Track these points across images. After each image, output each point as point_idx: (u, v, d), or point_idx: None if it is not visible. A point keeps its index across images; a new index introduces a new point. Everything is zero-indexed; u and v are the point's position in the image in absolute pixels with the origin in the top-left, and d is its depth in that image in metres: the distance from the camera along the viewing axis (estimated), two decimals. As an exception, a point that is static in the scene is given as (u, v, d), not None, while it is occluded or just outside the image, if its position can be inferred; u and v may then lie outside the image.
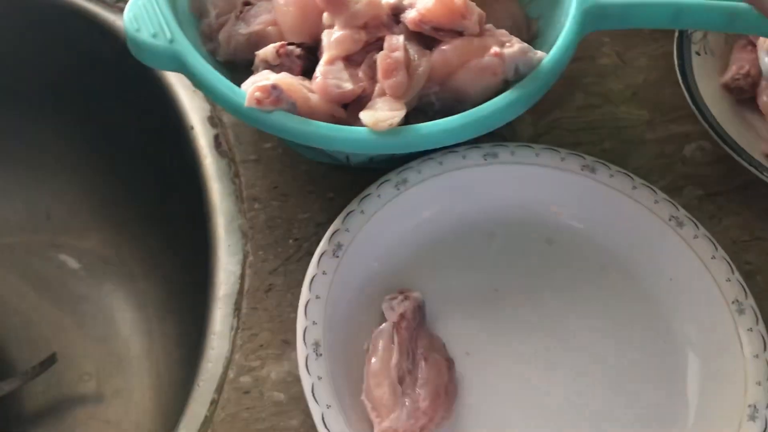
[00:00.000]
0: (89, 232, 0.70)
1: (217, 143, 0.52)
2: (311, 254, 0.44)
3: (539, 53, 0.43)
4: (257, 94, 0.40)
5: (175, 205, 0.57)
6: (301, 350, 0.40)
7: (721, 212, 0.51)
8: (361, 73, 0.43)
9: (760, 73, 0.52)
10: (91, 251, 0.70)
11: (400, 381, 0.40)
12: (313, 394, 0.38)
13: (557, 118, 0.54)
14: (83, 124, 0.66)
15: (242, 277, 0.47)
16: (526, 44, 0.44)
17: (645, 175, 0.51)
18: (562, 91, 0.55)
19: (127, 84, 0.58)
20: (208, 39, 0.48)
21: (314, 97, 0.41)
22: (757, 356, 0.41)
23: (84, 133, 0.67)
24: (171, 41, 0.42)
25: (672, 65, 0.53)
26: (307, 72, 0.44)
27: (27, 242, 0.71)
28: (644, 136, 0.54)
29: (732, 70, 0.53)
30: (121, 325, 0.69)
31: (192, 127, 0.54)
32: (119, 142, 0.65)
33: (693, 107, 0.51)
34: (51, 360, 0.64)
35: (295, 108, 0.41)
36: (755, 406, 0.39)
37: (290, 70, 0.44)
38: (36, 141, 0.69)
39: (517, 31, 0.47)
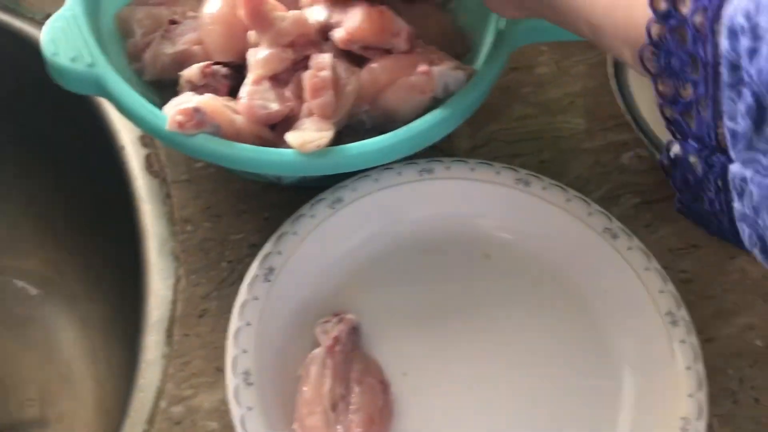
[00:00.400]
0: (30, 252, 0.69)
1: (149, 163, 0.51)
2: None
3: (468, 69, 0.43)
4: (178, 117, 0.39)
5: (110, 225, 0.55)
6: (231, 380, 0.39)
7: (658, 220, 0.51)
8: (288, 93, 0.42)
9: (693, 80, 0.52)
10: (33, 271, 0.69)
11: (333, 408, 0.39)
12: (243, 426, 0.38)
13: (495, 130, 0.54)
14: (18, 143, 0.64)
15: (174, 302, 0.46)
16: (455, 61, 0.43)
17: (583, 185, 0.52)
18: (499, 102, 0.55)
19: (61, 102, 0.57)
20: (134, 59, 0.47)
21: (239, 119, 0.41)
22: (689, 368, 0.41)
23: (19, 152, 0.65)
24: (91, 65, 0.41)
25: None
26: (234, 91, 0.43)
27: (-37, 264, 0.69)
28: (582, 145, 0.54)
29: (666, 78, 0.53)
30: (65, 347, 0.68)
31: (123, 147, 0.53)
32: (54, 161, 0.63)
33: (628, 116, 0.52)
34: (-12, 389, 0.62)
35: (219, 130, 0.40)
36: (687, 419, 0.40)
37: (216, 91, 0.43)
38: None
39: (449, 46, 0.46)
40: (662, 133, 0.51)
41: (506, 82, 0.56)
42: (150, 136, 0.51)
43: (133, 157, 0.52)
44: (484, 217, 0.48)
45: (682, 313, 0.43)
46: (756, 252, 0.29)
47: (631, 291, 0.44)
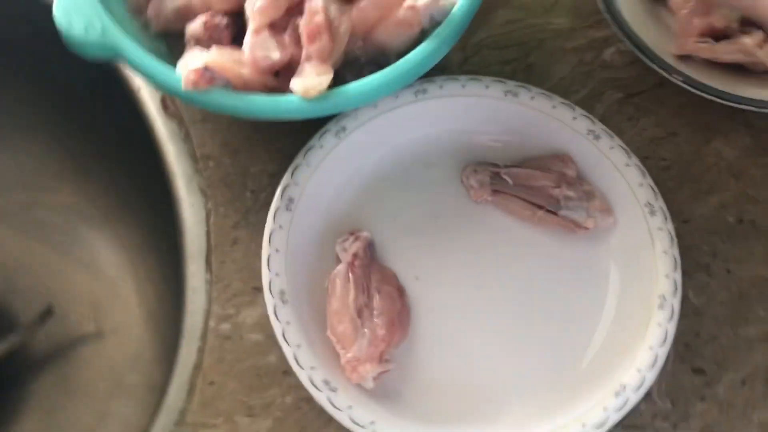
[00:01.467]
0: (61, 188, 0.73)
1: (165, 106, 0.55)
2: (268, 204, 0.48)
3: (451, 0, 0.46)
4: (191, 77, 0.43)
5: (134, 164, 0.60)
6: (269, 300, 0.45)
7: (639, 112, 0.55)
8: (287, 39, 0.45)
9: (669, -27, 0.54)
10: (66, 205, 0.74)
11: (359, 314, 0.46)
12: (284, 338, 0.44)
13: (483, 38, 0.57)
14: (38, 89, 0.67)
15: (208, 233, 0.51)
16: None
17: (568, 85, 0.55)
18: (485, 9, 0.57)
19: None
20: (138, 12, 0.49)
21: (246, 71, 0.44)
22: (665, 252, 0.46)
23: (39, 97, 0.69)
24: (103, 34, 0.44)
25: (589, -29, 0.55)
26: (236, 39, 0.47)
27: (4, 202, 0.74)
28: (566, 45, 0.57)
29: (643, -28, 0.56)
30: (107, 267, 0.74)
31: (139, 89, 0.56)
32: (71, 102, 0.67)
33: (605, 13, 0.54)
34: (48, 311, 0.69)
35: (229, 83, 0.44)
36: (664, 296, 0.45)
37: (219, 42, 0.46)
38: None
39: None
40: (639, 28, 0.54)
41: (490, -13, 0.58)
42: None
43: (149, 99, 0.56)
44: (477, 129, 0.52)
45: (660, 203, 0.48)
46: None
47: (614, 187, 0.49)
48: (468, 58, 0.56)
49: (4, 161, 0.74)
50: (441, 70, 0.52)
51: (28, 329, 0.67)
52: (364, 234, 0.48)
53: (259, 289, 0.49)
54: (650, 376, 0.43)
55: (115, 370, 0.71)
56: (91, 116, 0.65)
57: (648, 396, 0.47)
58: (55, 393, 0.70)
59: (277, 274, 0.46)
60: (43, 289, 0.73)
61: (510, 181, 0.50)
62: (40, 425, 0.67)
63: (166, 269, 0.68)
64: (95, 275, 0.74)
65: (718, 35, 0.53)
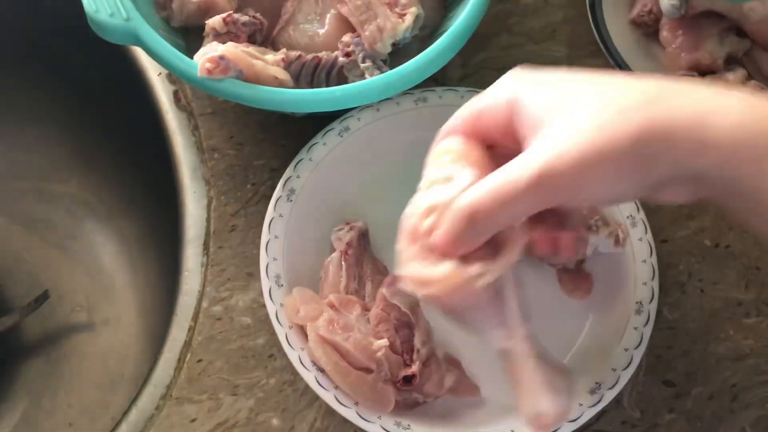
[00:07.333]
0: (67, 177, 0.76)
1: (177, 98, 0.58)
2: (267, 197, 0.50)
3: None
4: (207, 65, 0.45)
5: (142, 153, 0.62)
6: (265, 283, 0.47)
7: (627, 138, 0.57)
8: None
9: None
10: (71, 195, 0.76)
11: (349, 301, 0.48)
12: (277, 319, 0.46)
13: (484, 59, 0.60)
14: (56, 80, 0.70)
15: (208, 219, 0.53)
16: None
17: (561, 108, 0.58)
18: (488, 31, 0.61)
19: (94, 42, 0.63)
20: (161, 8, 0.53)
21: (258, 64, 0.47)
22: (644, 261, 0.49)
23: (52, 86, 0.71)
24: (127, 19, 0.47)
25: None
26: (252, 38, 0.50)
27: (11, 189, 0.77)
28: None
29: (637, 8, 0.59)
30: (105, 260, 0.76)
31: (152, 84, 0.59)
32: (85, 95, 0.70)
33: (600, 43, 0.57)
34: (44, 296, 0.71)
35: (241, 75, 0.47)
36: (641, 303, 0.48)
37: (237, 38, 0.49)
38: (7, 94, 0.74)
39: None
40: (631, 59, 0.57)
41: (494, 13, 0.62)
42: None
43: (162, 92, 0.59)
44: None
45: (641, 216, 0.50)
46: None
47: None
48: (467, 75, 0.59)
49: (14, 149, 0.76)
50: (441, 84, 0.55)
51: (22, 311, 0.69)
52: (359, 224, 0.50)
53: (252, 275, 0.52)
54: (624, 376, 0.45)
55: (105, 360, 0.72)
56: (104, 108, 0.68)
57: (618, 403, 0.49)
58: (44, 378, 0.71)
59: (274, 259, 0.48)
60: (41, 277, 0.75)
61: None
62: (29, 407, 0.68)
63: (163, 261, 0.70)
64: (93, 267, 0.76)
65: (704, 70, 0.57)
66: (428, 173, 0.37)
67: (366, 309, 0.47)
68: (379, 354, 0.43)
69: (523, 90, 0.36)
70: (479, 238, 0.35)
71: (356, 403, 0.44)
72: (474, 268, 0.34)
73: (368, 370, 0.44)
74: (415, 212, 0.36)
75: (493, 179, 0.34)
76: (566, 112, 0.34)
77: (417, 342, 0.45)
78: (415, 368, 0.44)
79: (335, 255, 0.49)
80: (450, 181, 0.35)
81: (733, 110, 0.32)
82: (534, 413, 0.35)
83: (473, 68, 0.60)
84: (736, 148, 0.32)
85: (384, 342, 0.44)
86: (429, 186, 0.36)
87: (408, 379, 0.44)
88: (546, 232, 0.41)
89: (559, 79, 0.36)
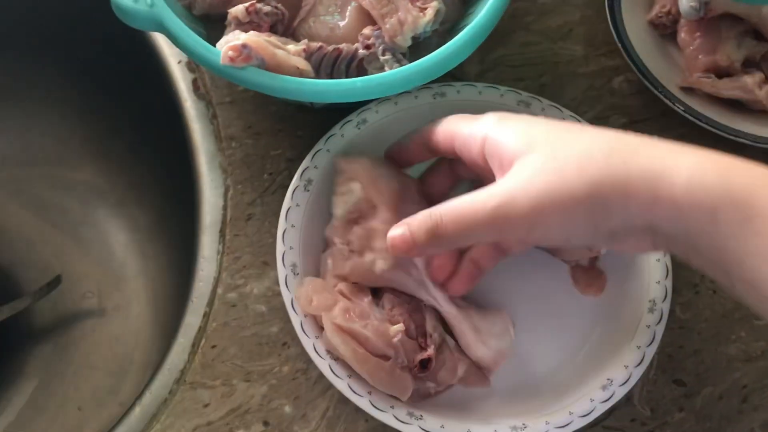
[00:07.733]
0: (81, 164, 0.76)
1: (196, 87, 0.58)
2: (284, 187, 0.51)
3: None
4: (230, 53, 0.46)
5: (158, 141, 0.63)
6: (281, 271, 0.47)
7: (642, 138, 0.58)
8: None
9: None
10: (84, 182, 0.77)
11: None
12: (293, 307, 0.46)
13: (501, 56, 0.60)
14: (75, 66, 0.71)
15: (225, 208, 0.54)
16: None
17: (577, 106, 0.58)
18: (506, 29, 0.61)
19: (113, 31, 0.63)
20: (184, -5, 0.53)
21: (280, 53, 0.47)
22: (658, 260, 0.49)
23: (69, 71, 0.72)
24: (151, 5, 0.47)
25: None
26: (275, 28, 0.50)
27: (24, 175, 0.77)
28: (578, 70, 0.60)
29: (656, 9, 0.59)
30: (117, 248, 0.76)
31: (172, 72, 0.60)
32: (102, 81, 0.70)
33: (618, 43, 0.58)
34: (56, 281, 0.71)
35: (264, 63, 0.47)
36: (654, 301, 0.48)
37: (259, 27, 0.49)
38: (24, 78, 0.74)
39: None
40: (648, 60, 0.57)
41: (512, 11, 0.62)
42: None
43: (181, 80, 0.59)
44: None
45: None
46: None
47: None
48: (485, 71, 0.60)
49: (29, 134, 0.77)
50: (458, 79, 0.55)
51: (35, 294, 0.69)
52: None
53: (267, 264, 0.52)
54: (636, 373, 0.45)
55: (114, 346, 0.72)
56: (121, 95, 0.68)
57: (629, 401, 0.49)
58: (54, 362, 0.71)
59: (291, 248, 0.48)
60: (53, 262, 0.75)
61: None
62: (38, 390, 0.69)
63: (176, 249, 0.70)
64: (104, 254, 0.76)
65: (721, 72, 0.57)
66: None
67: (373, 295, 0.48)
68: (396, 339, 0.44)
69: (497, 129, 0.41)
70: (439, 250, 0.44)
71: (369, 392, 0.45)
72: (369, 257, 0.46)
73: (385, 357, 0.44)
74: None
75: (461, 201, 0.39)
76: (532, 154, 0.38)
77: (429, 327, 0.46)
78: (431, 351, 0.44)
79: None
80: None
81: (687, 166, 0.34)
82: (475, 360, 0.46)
83: (490, 64, 0.60)
84: (686, 202, 0.34)
85: (400, 326, 0.44)
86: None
87: (424, 364, 0.44)
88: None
89: (531, 124, 0.40)
